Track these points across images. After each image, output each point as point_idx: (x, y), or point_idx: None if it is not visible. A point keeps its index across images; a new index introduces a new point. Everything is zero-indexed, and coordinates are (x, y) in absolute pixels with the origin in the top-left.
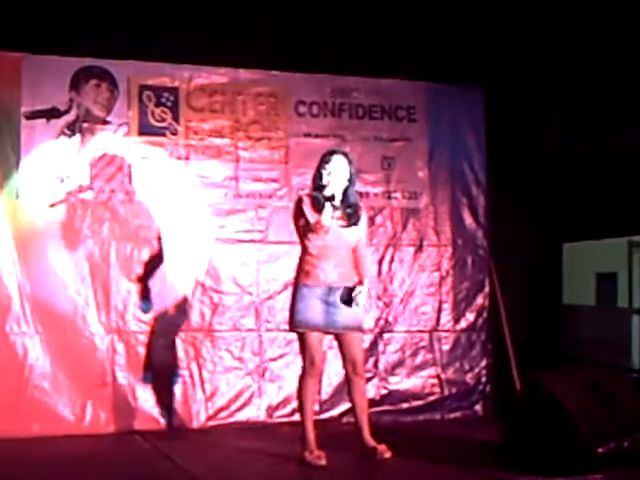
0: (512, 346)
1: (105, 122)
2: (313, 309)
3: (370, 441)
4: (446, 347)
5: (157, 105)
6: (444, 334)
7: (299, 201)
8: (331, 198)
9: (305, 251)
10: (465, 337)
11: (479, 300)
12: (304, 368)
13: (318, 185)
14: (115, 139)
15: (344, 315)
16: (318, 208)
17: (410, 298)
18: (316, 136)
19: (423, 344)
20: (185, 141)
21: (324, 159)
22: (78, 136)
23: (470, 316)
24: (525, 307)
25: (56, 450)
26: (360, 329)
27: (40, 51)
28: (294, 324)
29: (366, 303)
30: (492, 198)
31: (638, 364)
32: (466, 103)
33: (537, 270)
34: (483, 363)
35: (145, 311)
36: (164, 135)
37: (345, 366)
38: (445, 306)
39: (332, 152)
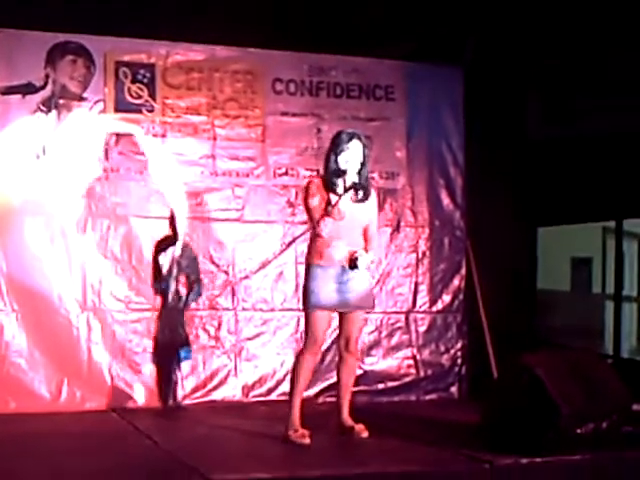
0: (488, 328)
1: (81, 98)
2: (326, 289)
3: (348, 420)
4: (422, 328)
5: (133, 82)
6: (420, 315)
7: (310, 183)
8: (352, 187)
9: (318, 232)
10: (441, 319)
11: (455, 282)
12: (305, 344)
13: (333, 169)
14: (91, 115)
15: (356, 294)
16: (333, 192)
17: (387, 279)
18: (293, 115)
19: (399, 325)
20: (162, 118)
21: (341, 145)
22: (54, 112)
23: (446, 298)
24: (499, 291)
25: (32, 427)
26: (370, 308)
27: (15, 26)
28: (307, 304)
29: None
30: (469, 179)
31: (612, 350)
32: (445, 83)
33: (512, 253)
34: (459, 345)
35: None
36: (140, 112)
37: (339, 342)
38: (422, 287)
39: (350, 137)
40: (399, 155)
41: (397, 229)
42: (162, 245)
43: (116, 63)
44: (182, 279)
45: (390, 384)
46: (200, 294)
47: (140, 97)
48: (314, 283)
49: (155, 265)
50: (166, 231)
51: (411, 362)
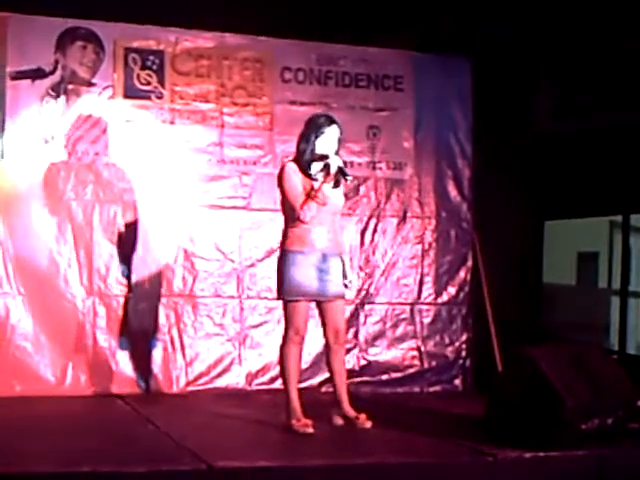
0: (493, 321)
1: (90, 84)
2: (308, 276)
3: (350, 411)
4: (427, 320)
5: (143, 68)
6: (425, 307)
7: (285, 167)
8: (339, 172)
9: (296, 218)
10: (446, 310)
11: (461, 274)
12: (287, 336)
13: (312, 152)
14: (100, 101)
15: (334, 283)
16: (309, 176)
17: (392, 270)
18: (301, 103)
19: (404, 316)
20: (170, 105)
21: (320, 128)
22: (63, 97)
23: (452, 290)
24: (505, 284)
25: (37, 410)
26: (344, 296)
27: (26, 11)
28: (286, 292)
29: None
30: (476, 171)
31: (617, 345)
32: (454, 74)
33: (518, 246)
34: (463, 337)
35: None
36: (149, 99)
37: (326, 334)
38: (427, 279)
39: (330, 121)
40: (407, 146)
41: (403, 220)
42: (167, 230)
43: (125, 49)
44: (188, 266)
45: (394, 375)
46: None
47: (149, 84)
48: (294, 270)
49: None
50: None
51: (415, 353)
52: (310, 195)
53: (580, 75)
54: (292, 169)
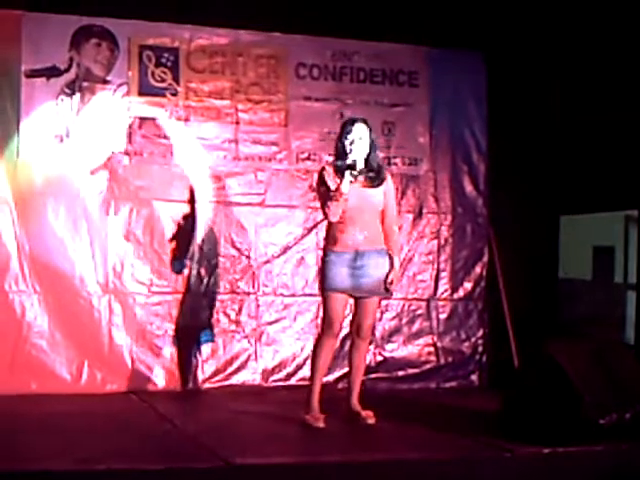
0: (510, 316)
1: (105, 82)
2: (341, 275)
3: (356, 405)
4: (443, 316)
5: (157, 65)
6: (441, 302)
7: (322, 170)
8: (352, 166)
9: (327, 218)
10: (462, 306)
11: (477, 269)
12: (322, 329)
13: (341, 154)
14: (115, 99)
15: (371, 279)
16: (340, 176)
17: (408, 265)
18: (316, 99)
19: (420, 312)
20: (185, 102)
21: (345, 129)
22: (78, 95)
23: (468, 285)
24: (521, 279)
25: (53, 408)
26: (384, 294)
27: (40, 9)
28: (322, 287)
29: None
30: (491, 166)
31: (633, 340)
32: (468, 69)
33: (534, 241)
34: (480, 333)
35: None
36: (164, 96)
37: (352, 327)
38: (443, 274)
39: (353, 121)
40: (422, 141)
41: (419, 215)
42: (182, 227)
43: (140, 47)
44: (204, 263)
45: (410, 371)
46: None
47: (164, 81)
48: (328, 268)
49: (176, 247)
50: (187, 214)
51: (432, 349)
52: (331, 195)
53: (596, 69)
54: (326, 171)
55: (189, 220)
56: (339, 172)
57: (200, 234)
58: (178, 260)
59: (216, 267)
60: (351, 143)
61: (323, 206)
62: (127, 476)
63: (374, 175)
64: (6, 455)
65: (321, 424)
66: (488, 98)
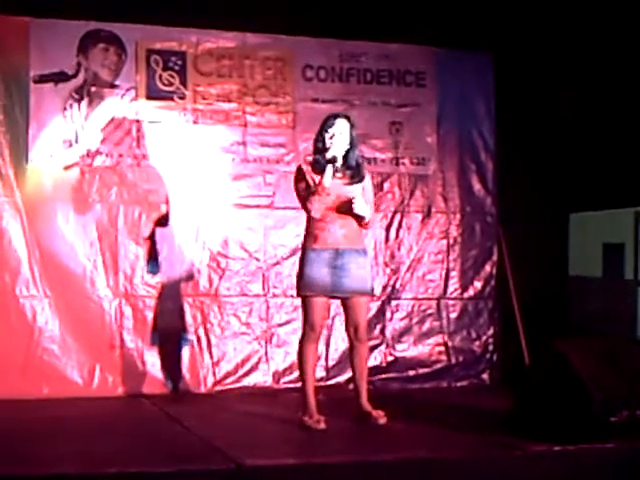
0: (520, 315)
1: (113, 86)
2: (320, 273)
3: (366, 406)
4: (453, 315)
5: (165, 69)
6: (451, 302)
7: (299, 167)
8: (332, 160)
9: (309, 214)
10: (472, 305)
11: (487, 268)
12: (304, 332)
13: (319, 148)
14: (123, 103)
15: (352, 279)
16: (319, 171)
17: (418, 265)
18: (324, 101)
19: (430, 312)
20: (193, 105)
21: (326, 123)
22: (86, 100)
23: (478, 284)
24: (531, 277)
25: (65, 412)
26: (367, 293)
27: (47, 15)
28: (300, 288)
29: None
30: (500, 165)
31: None
32: (476, 69)
33: (544, 239)
34: (490, 331)
35: (153, 273)
36: (172, 99)
37: (347, 330)
38: (453, 274)
39: (335, 116)
40: (430, 141)
41: (428, 215)
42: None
43: (147, 51)
44: (213, 265)
45: (421, 371)
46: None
47: (171, 84)
48: (308, 268)
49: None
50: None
51: (442, 349)
52: (312, 190)
53: (603, 66)
54: (303, 169)
55: (198, 223)
56: (319, 168)
57: (209, 237)
58: (187, 263)
59: (225, 269)
60: (331, 137)
61: (304, 203)
62: (139, 478)
63: (353, 172)
64: (19, 459)
65: (322, 425)
66: (496, 96)
